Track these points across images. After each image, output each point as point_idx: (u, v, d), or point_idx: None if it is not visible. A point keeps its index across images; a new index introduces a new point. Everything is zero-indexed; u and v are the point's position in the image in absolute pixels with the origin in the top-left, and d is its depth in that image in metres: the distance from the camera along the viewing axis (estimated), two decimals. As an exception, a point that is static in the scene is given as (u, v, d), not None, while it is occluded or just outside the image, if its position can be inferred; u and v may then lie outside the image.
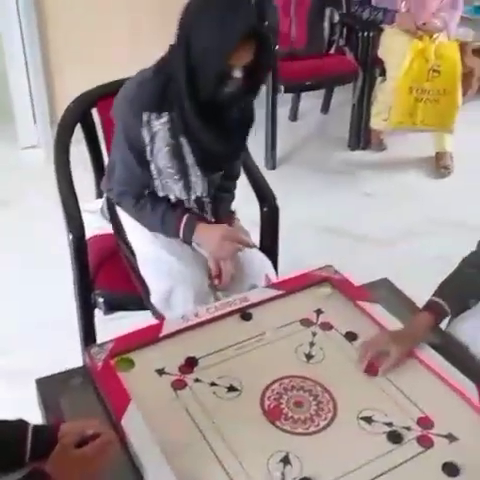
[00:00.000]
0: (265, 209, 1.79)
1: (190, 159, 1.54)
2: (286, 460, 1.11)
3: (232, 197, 1.75)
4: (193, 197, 1.59)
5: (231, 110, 1.52)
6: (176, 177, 1.55)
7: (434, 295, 1.42)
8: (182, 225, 1.57)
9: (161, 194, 1.58)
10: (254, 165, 1.90)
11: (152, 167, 1.54)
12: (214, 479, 1.08)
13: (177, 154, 1.53)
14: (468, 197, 2.88)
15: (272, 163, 3.22)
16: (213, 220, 1.66)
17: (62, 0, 3.11)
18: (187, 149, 1.53)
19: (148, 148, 1.51)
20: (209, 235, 1.58)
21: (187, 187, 1.57)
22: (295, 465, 1.11)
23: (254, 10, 1.34)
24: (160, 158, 1.52)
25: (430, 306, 1.40)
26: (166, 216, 1.58)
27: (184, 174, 1.55)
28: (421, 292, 1.49)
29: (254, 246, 1.62)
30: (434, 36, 2.98)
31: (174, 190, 1.57)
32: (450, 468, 1.10)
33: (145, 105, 1.48)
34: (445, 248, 2.43)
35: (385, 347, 1.31)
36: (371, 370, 1.30)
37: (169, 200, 1.59)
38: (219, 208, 1.68)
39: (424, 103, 3.03)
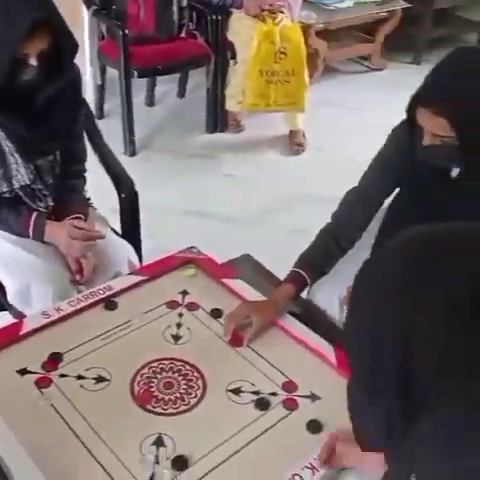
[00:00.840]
0: (123, 195, 1.77)
1: (7, 146, 1.49)
2: (159, 442, 1.12)
3: (83, 183, 1.72)
4: (17, 186, 1.53)
5: (38, 95, 1.48)
6: None
7: (295, 266, 1.49)
8: (30, 229, 1.53)
9: None
10: (108, 151, 1.87)
11: None
12: (87, 473, 1.07)
13: None
14: (321, 172, 3.04)
15: (131, 149, 3.17)
16: (50, 205, 1.61)
17: None
18: (2, 136, 1.47)
19: None
20: (56, 235, 1.54)
21: (8, 176, 1.51)
22: (168, 445, 1.12)
23: None
24: None
25: (291, 277, 1.46)
26: (10, 221, 1.53)
27: (2, 162, 1.49)
28: (284, 265, 1.56)
29: (104, 237, 1.60)
30: (278, 19, 3.08)
31: None
32: (314, 426, 1.17)
33: None
34: (303, 222, 2.55)
35: (247, 318, 1.36)
36: (236, 341, 1.34)
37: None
38: (70, 196, 1.64)
39: (275, 84, 3.14)
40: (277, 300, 1.42)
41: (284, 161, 3.20)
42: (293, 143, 3.27)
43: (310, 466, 1.07)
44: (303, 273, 1.46)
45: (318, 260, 1.50)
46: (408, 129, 1.34)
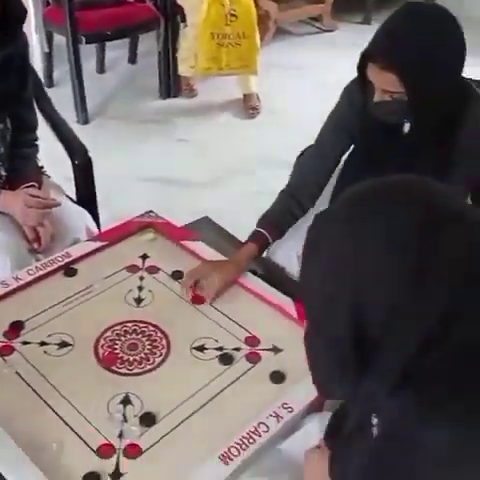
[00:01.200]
0: (76, 162, 1.75)
1: None
2: (126, 400, 1.14)
3: (35, 151, 1.69)
4: None
5: None
6: None
7: (257, 226, 1.50)
8: None
9: None
10: (59, 118, 1.85)
11: None
12: (55, 434, 1.07)
13: None
14: (277, 134, 3.04)
15: (84, 117, 3.11)
16: (3, 175, 1.57)
17: None
18: None
19: None
20: (11, 204, 1.52)
21: None
22: (136, 403, 1.14)
23: None
24: None
25: (253, 236, 1.48)
26: None
27: None
28: (242, 227, 1.58)
29: (60, 204, 1.58)
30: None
31: None
32: (276, 376, 1.20)
33: None
34: (260, 184, 2.57)
35: (209, 276, 1.38)
36: (197, 300, 1.37)
37: None
38: (22, 165, 1.61)
39: (227, 47, 3.10)
40: (239, 259, 1.44)
41: (239, 125, 3.20)
42: (247, 106, 3.26)
43: (274, 414, 1.11)
44: (265, 232, 1.47)
45: (279, 219, 1.51)
46: (359, 86, 1.35)
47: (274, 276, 1.50)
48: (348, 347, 0.70)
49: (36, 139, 1.70)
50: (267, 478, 1.01)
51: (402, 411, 0.68)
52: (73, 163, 1.76)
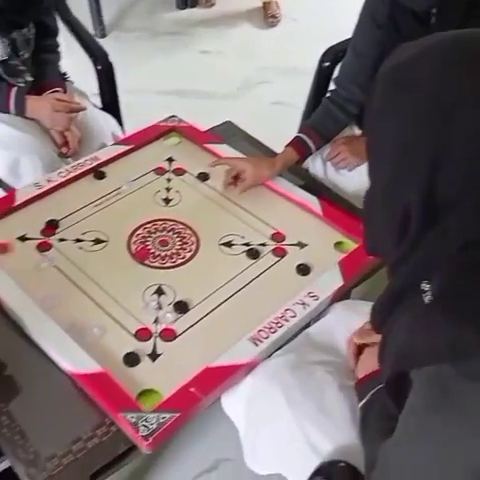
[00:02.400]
0: (99, 67, 1.75)
1: None
2: (160, 291, 1.20)
3: (58, 57, 1.70)
4: None
5: None
6: None
7: (298, 132, 1.49)
8: (11, 103, 1.51)
9: None
10: (81, 26, 1.84)
11: None
12: (96, 321, 1.14)
13: None
14: (297, 43, 2.97)
15: (101, 31, 3.06)
16: (29, 81, 1.58)
17: None
18: None
19: None
20: (39, 109, 1.53)
21: None
22: (169, 293, 1.20)
23: None
24: None
25: (293, 142, 1.46)
26: None
27: None
28: (267, 136, 1.58)
29: (85, 108, 1.60)
30: None
31: None
32: (303, 268, 1.25)
33: None
34: (283, 94, 2.54)
35: (244, 171, 1.40)
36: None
37: None
38: (46, 70, 1.62)
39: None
40: (274, 161, 1.43)
41: (259, 34, 3.12)
42: (267, 15, 3.17)
43: (301, 302, 1.16)
44: (304, 137, 1.46)
45: (323, 126, 1.49)
46: None
47: (300, 178, 1.52)
48: (415, 207, 0.65)
49: (58, 46, 1.70)
50: (294, 354, 1.06)
51: (458, 274, 0.65)
52: (96, 68, 1.76)
